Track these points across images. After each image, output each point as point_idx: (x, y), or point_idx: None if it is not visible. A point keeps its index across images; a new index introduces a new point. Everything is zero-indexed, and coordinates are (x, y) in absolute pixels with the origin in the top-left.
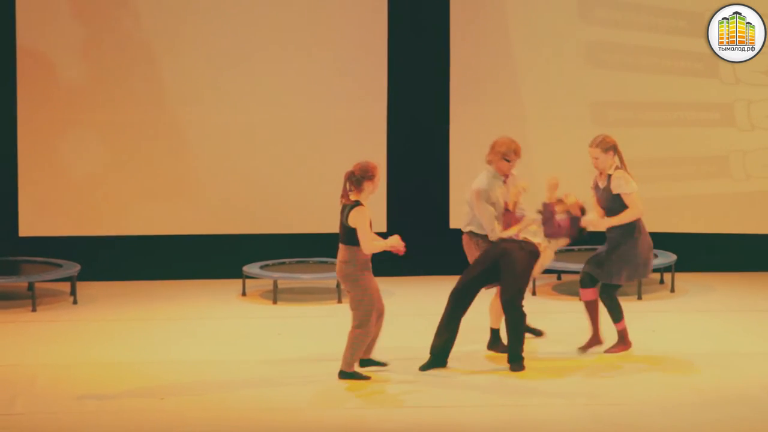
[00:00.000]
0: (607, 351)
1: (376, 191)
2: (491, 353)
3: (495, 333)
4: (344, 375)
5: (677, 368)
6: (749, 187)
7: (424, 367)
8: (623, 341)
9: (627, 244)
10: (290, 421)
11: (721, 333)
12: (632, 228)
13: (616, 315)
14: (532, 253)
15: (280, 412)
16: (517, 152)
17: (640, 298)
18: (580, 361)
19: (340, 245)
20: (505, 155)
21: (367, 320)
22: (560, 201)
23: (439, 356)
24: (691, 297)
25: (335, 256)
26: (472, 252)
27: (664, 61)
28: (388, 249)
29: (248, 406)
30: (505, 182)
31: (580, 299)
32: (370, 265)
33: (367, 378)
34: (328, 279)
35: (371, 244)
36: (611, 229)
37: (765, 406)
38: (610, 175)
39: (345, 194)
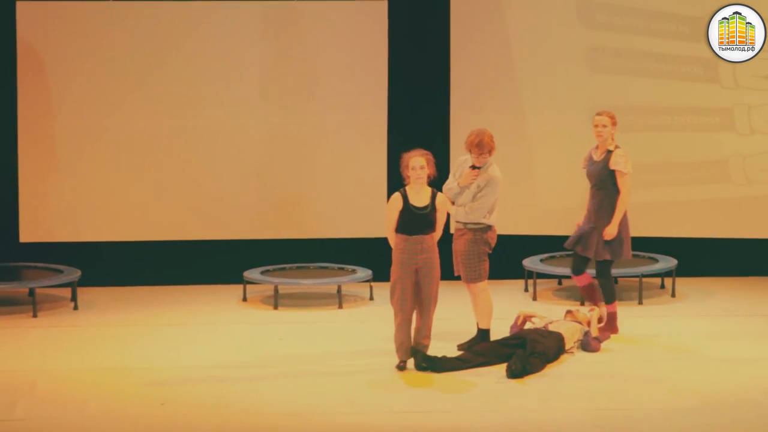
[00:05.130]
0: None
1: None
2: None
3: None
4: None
5: (678, 372)
6: (749, 192)
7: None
8: (612, 325)
9: (607, 222)
10: (290, 426)
11: (722, 338)
12: (613, 208)
13: (609, 296)
14: (558, 339)
15: (280, 416)
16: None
17: (641, 302)
18: (580, 366)
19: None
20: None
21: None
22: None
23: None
24: (691, 302)
25: (335, 261)
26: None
27: (664, 66)
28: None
29: (249, 411)
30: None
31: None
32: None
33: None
34: (328, 284)
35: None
36: (597, 210)
37: (765, 410)
38: (610, 151)
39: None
